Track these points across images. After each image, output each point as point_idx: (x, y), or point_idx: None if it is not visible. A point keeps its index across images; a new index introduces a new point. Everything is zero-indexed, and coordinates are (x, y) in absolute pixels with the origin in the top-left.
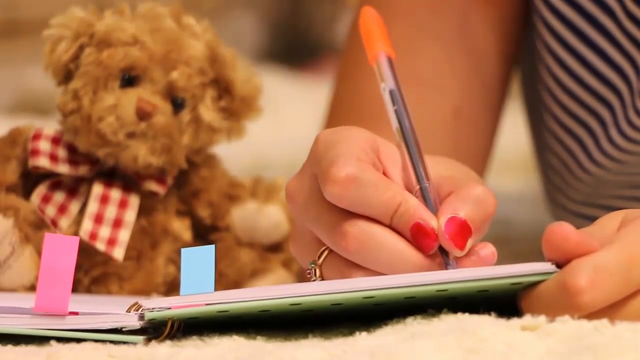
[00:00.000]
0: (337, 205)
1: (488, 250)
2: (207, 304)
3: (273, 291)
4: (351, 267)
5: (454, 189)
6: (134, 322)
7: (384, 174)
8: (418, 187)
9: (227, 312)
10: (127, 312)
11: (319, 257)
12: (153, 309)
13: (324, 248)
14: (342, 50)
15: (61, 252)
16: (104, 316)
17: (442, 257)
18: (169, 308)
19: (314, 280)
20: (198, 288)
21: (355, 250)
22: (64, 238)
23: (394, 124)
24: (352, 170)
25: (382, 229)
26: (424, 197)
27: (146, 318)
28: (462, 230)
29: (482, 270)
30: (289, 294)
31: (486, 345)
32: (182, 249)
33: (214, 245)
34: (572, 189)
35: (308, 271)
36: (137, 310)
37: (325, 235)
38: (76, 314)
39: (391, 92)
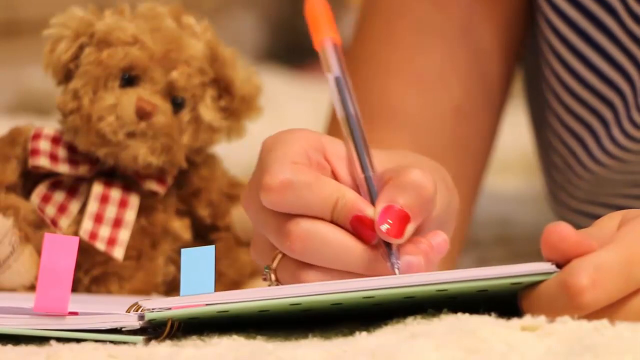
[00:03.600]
0: None
1: (440, 237)
2: (207, 305)
3: (273, 291)
4: (302, 268)
5: (392, 177)
6: (133, 322)
7: (332, 172)
8: (363, 176)
9: (227, 313)
10: (127, 312)
11: (272, 261)
12: (153, 309)
13: (277, 252)
14: (348, 47)
15: (61, 252)
16: (103, 316)
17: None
18: (169, 308)
19: (270, 285)
20: (198, 288)
21: (300, 250)
22: (64, 238)
23: (339, 112)
24: (285, 176)
25: (324, 226)
26: (369, 187)
27: (146, 318)
28: (398, 218)
29: (483, 270)
30: (288, 294)
31: (486, 345)
32: (182, 250)
33: (213, 246)
34: (574, 187)
35: (264, 276)
36: (137, 311)
37: (272, 238)
38: (76, 314)
39: (336, 80)
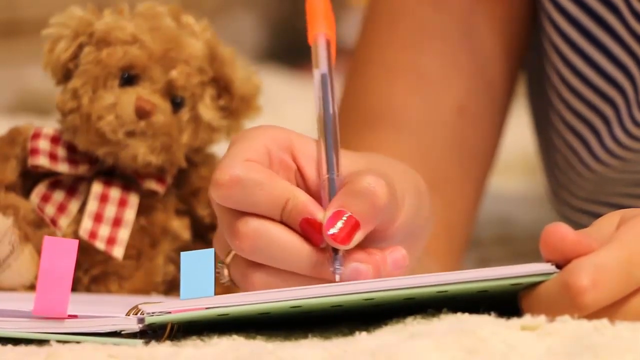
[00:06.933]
0: None
1: (398, 253)
2: (207, 308)
3: (273, 294)
4: (252, 266)
5: (348, 182)
6: (133, 325)
7: (299, 171)
8: (326, 177)
9: (227, 315)
10: (126, 315)
11: (226, 257)
12: (153, 313)
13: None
14: (351, 50)
15: (60, 255)
16: (102, 319)
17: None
18: (169, 312)
19: (222, 281)
20: (198, 292)
21: (248, 249)
22: (63, 241)
23: (318, 110)
24: (235, 172)
25: (274, 226)
26: (330, 189)
27: (146, 322)
28: (347, 224)
29: (483, 271)
30: (289, 297)
31: (486, 345)
32: (182, 253)
33: (213, 249)
34: (576, 186)
35: (217, 271)
36: (136, 314)
37: (225, 235)
38: (75, 317)
39: (322, 77)
